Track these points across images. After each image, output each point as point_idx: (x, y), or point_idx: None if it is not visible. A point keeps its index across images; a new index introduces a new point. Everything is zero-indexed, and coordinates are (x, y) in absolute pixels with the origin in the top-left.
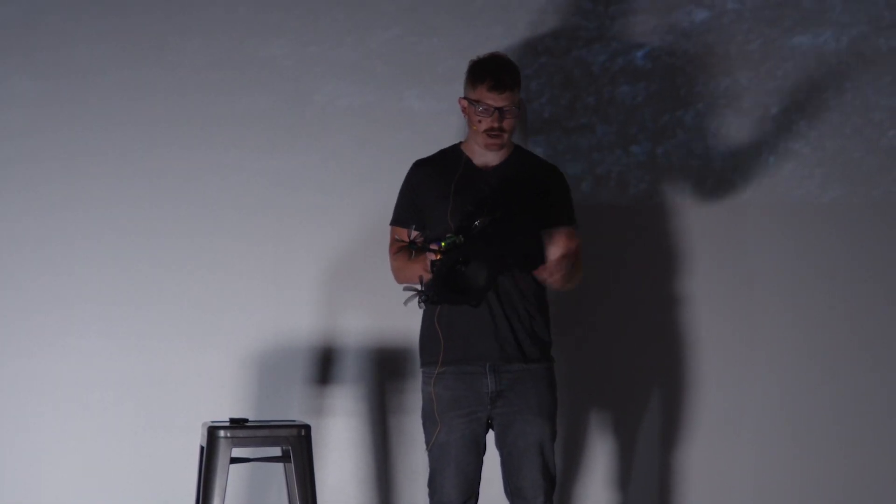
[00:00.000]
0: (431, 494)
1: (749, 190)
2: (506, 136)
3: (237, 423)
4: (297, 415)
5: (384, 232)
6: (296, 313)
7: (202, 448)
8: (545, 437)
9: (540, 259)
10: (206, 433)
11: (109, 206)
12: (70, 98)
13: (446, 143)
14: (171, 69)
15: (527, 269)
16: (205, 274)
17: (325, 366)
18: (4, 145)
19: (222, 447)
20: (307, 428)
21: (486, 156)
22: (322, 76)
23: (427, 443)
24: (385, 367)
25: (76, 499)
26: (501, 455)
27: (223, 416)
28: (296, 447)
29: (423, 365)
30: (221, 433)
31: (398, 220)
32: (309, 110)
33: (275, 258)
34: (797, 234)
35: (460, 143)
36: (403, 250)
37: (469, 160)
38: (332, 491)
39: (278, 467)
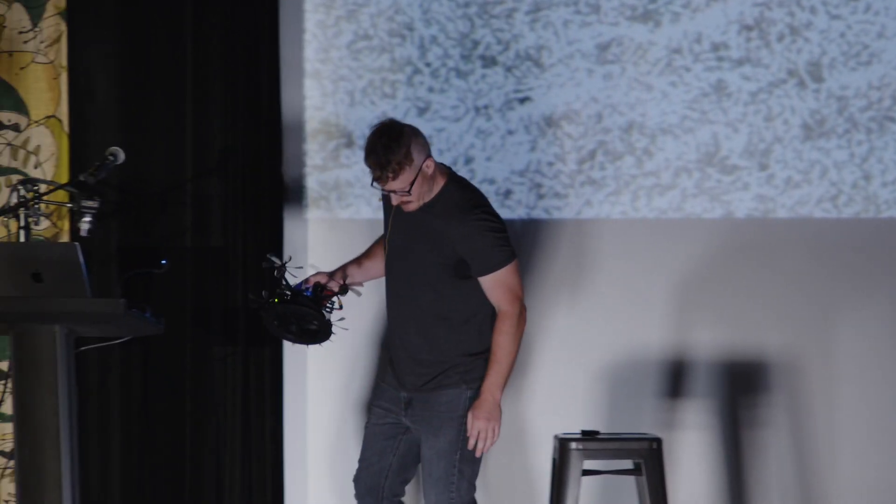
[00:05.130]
0: None
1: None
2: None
3: (589, 436)
4: (648, 428)
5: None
6: (646, 327)
7: (554, 460)
8: (446, 461)
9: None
10: (557, 445)
11: None
12: None
13: None
14: None
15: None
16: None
17: (675, 379)
18: None
19: (574, 459)
20: (659, 441)
21: None
22: None
23: None
24: (736, 381)
25: None
26: None
27: (574, 428)
28: (648, 460)
29: None
30: (573, 445)
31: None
32: None
33: (626, 273)
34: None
35: None
36: None
37: None
38: None
39: (627, 480)
